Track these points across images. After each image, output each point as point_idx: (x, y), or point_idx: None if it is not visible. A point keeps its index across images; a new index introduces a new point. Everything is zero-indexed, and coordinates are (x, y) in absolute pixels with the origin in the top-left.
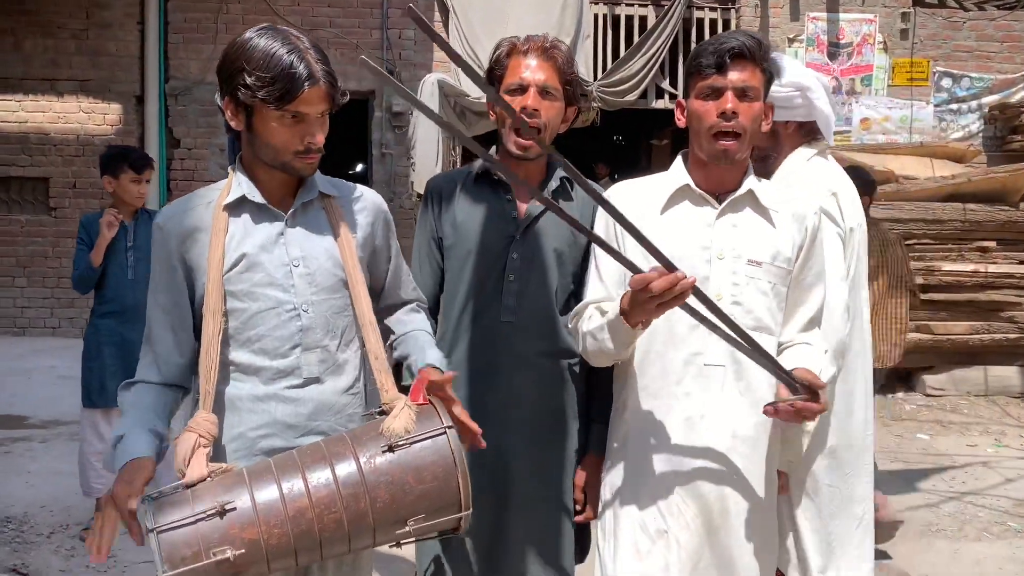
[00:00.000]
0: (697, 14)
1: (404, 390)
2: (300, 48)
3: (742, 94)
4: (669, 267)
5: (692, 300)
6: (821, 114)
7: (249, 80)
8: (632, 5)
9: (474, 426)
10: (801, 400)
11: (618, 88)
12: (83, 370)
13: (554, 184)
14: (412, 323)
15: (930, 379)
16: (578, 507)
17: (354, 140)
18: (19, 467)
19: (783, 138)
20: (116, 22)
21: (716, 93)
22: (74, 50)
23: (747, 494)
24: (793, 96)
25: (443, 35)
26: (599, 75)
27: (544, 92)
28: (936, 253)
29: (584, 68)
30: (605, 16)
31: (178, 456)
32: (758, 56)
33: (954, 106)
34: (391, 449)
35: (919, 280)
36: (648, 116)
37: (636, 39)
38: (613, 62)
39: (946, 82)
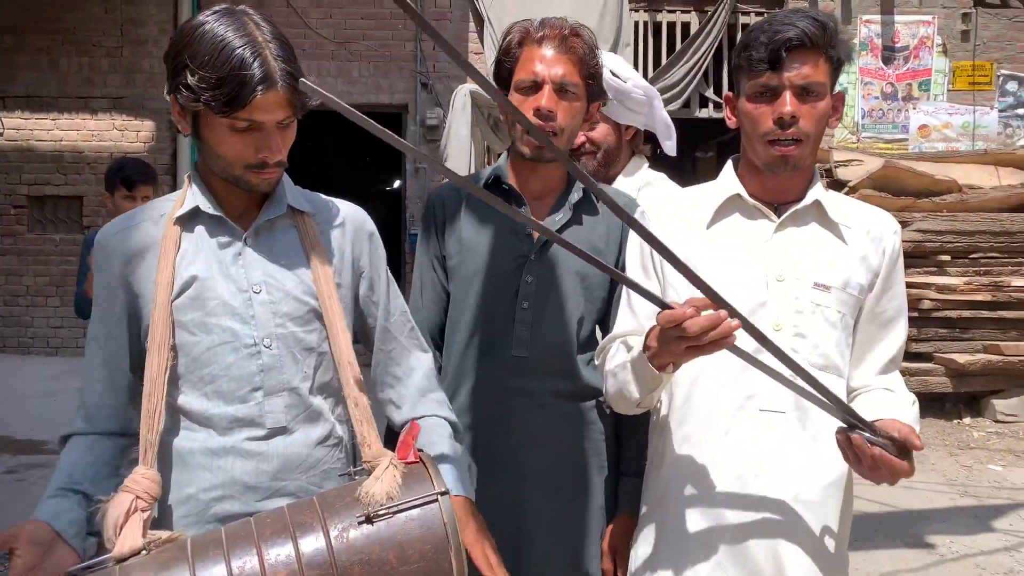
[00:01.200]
0: (743, 19)
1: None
2: (257, 41)
3: (804, 92)
4: (719, 302)
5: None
6: (662, 123)
7: (191, 80)
8: (674, 11)
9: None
10: (883, 445)
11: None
12: None
13: (576, 196)
14: (424, 408)
15: (1000, 404)
16: None
17: (388, 155)
18: (30, 496)
19: (623, 144)
20: (150, 39)
21: (772, 93)
22: (108, 68)
23: (810, 573)
24: (643, 101)
25: (479, 45)
26: None
27: (562, 90)
28: (1004, 267)
29: None
30: (646, 23)
31: (108, 523)
32: (822, 43)
33: (1021, 111)
34: (369, 520)
35: (989, 297)
36: (692, 127)
37: (679, 46)
38: (655, 70)
39: (1011, 86)
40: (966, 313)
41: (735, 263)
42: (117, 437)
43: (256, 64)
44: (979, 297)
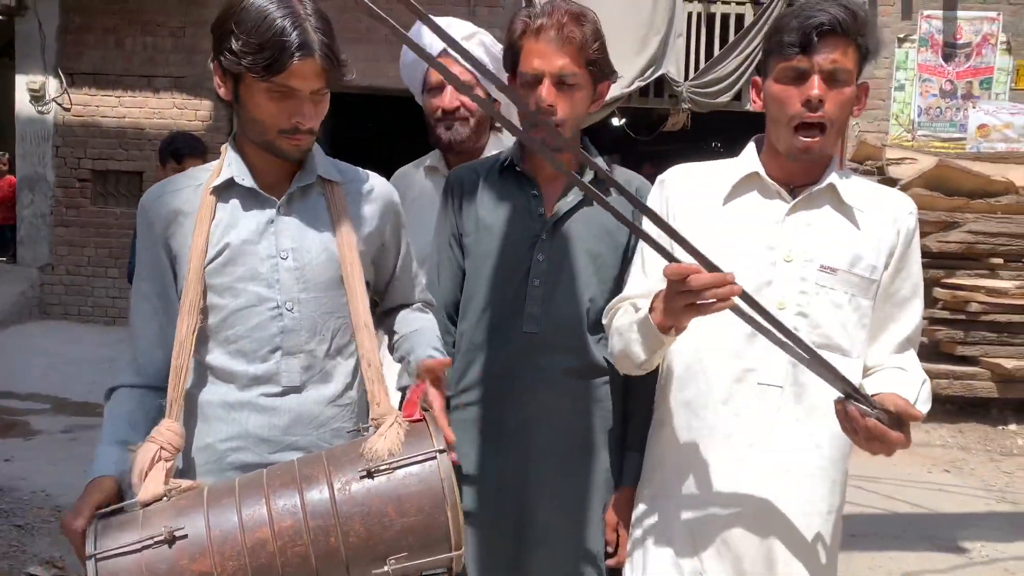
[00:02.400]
0: None
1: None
2: (298, 14)
3: (831, 78)
4: (710, 269)
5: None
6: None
7: (236, 45)
8: (729, 3)
9: (448, 432)
10: (876, 417)
11: (710, 89)
12: None
13: (587, 178)
14: (418, 321)
15: None
16: (609, 548)
17: None
18: (81, 455)
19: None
20: (212, 20)
21: (800, 76)
22: (171, 48)
23: (799, 548)
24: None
25: None
26: (691, 75)
27: (561, 83)
28: None
29: (675, 68)
30: (699, 14)
31: (134, 470)
32: (852, 31)
33: None
34: (370, 475)
35: None
36: (744, 119)
37: (732, 38)
38: (707, 61)
39: None
40: (1016, 318)
41: (746, 240)
42: (163, 391)
43: (296, 33)
44: None
